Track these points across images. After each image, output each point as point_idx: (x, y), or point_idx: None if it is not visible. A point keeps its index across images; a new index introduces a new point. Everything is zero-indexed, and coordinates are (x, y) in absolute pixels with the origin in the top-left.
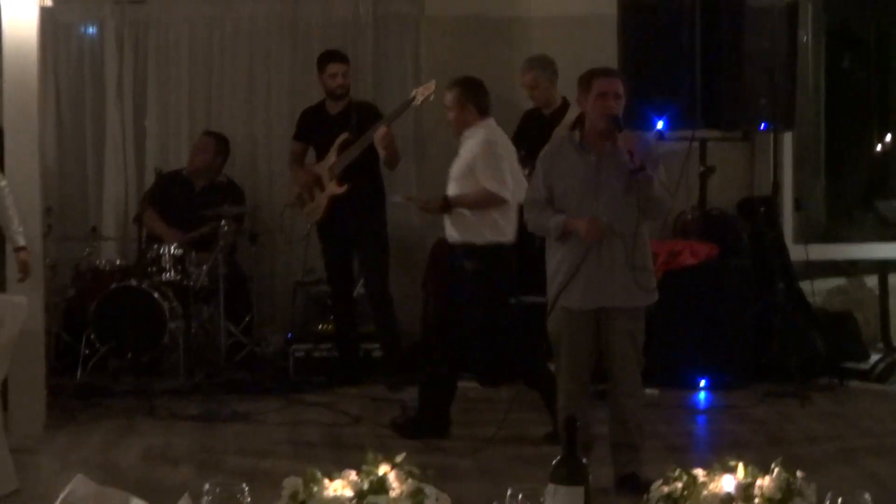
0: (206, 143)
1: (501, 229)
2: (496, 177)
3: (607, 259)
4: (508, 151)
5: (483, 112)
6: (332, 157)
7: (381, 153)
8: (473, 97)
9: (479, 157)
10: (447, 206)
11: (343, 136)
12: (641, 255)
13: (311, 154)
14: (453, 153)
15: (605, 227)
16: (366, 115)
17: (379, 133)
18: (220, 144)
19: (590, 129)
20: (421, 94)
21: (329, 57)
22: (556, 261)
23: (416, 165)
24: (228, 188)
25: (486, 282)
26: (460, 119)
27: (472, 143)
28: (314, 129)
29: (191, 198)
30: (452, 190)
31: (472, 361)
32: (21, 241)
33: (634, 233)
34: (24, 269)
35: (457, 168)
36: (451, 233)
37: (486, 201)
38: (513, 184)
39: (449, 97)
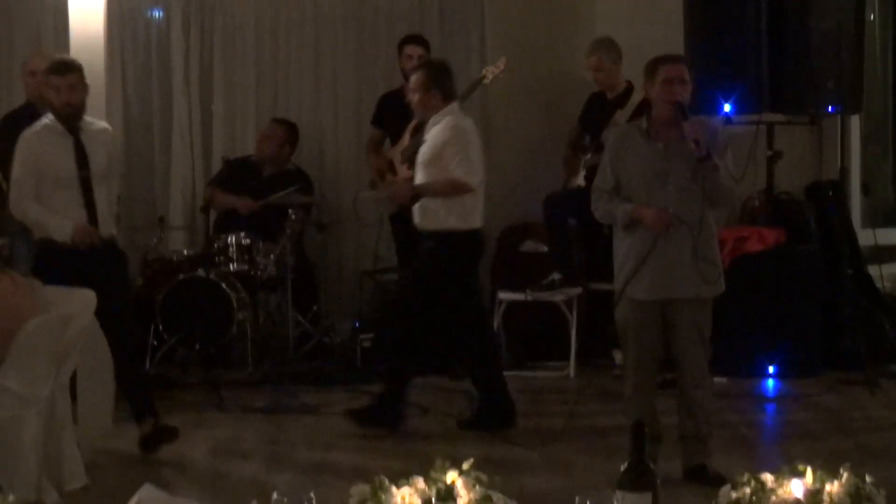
0: (273, 130)
1: (468, 216)
2: (463, 164)
3: (674, 249)
4: (475, 136)
5: (448, 97)
6: (404, 141)
7: None
8: (438, 81)
9: (447, 143)
10: (416, 195)
11: (416, 121)
12: (707, 246)
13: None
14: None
15: (672, 217)
16: None
17: None
18: (289, 132)
19: (656, 116)
20: (491, 72)
21: (406, 39)
22: (624, 250)
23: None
24: (297, 176)
25: (452, 268)
26: (424, 103)
27: (438, 129)
28: (390, 113)
29: (259, 185)
30: (420, 177)
31: (435, 355)
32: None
33: (700, 222)
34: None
35: (423, 154)
36: (418, 219)
37: (454, 189)
38: (481, 169)
39: (414, 79)
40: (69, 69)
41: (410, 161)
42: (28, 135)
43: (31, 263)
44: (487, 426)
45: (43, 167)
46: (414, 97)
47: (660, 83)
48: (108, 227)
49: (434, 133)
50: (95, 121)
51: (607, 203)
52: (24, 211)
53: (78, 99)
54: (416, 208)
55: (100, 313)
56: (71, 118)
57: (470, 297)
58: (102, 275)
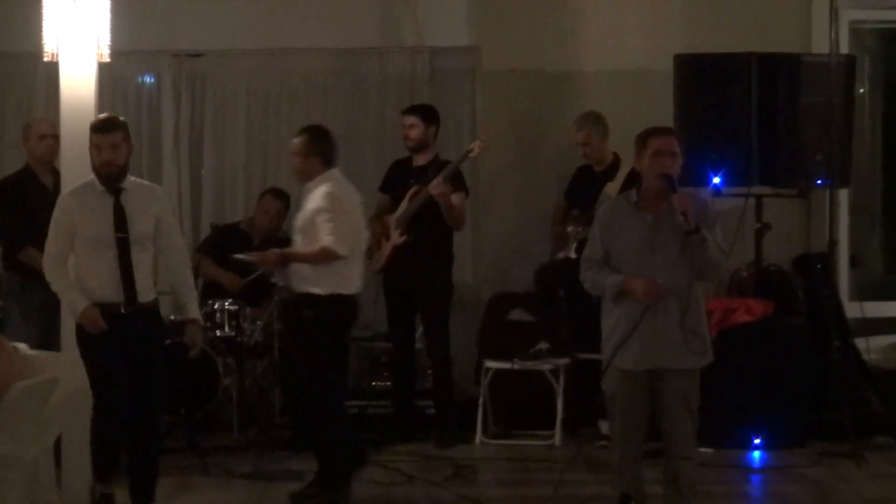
0: (272, 204)
1: (344, 280)
2: (334, 233)
3: (662, 320)
4: (352, 204)
5: (328, 162)
6: (402, 207)
7: (441, 206)
8: (319, 147)
9: (319, 210)
10: (285, 260)
11: (415, 188)
12: (695, 318)
13: None
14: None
15: (662, 288)
16: (441, 170)
17: (434, 185)
18: (285, 204)
19: (646, 188)
20: (479, 146)
21: (405, 109)
22: (613, 321)
23: (473, 221)
24: (286, 244)
25: (326, 331)
26: (303, 168)
27: (314, 196)
28: (396, 179)
29: (249, 252)
30: (299, 241)
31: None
32: (193, 313)
33: (688, 294)
34: (194, 343)
35: (300, 219)
36: (292, 282)
37: (322, 257)
38: (356, 236)
39: (295, 144)
40: (113, 127)
41: (404, 227)
42: (66, 194)
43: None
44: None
45: (78, 228)
46: (294, 162)
47: (650, 155)
48: (146, 294)
49: (310, 199)
50: (145, 182)
51: (596, 274)
52: (49, 278)
53: (121, 158)
54: (288, 272)
55: (134, 386)
56: (111, 178)
57: (341, 361)
58: (139, 344)
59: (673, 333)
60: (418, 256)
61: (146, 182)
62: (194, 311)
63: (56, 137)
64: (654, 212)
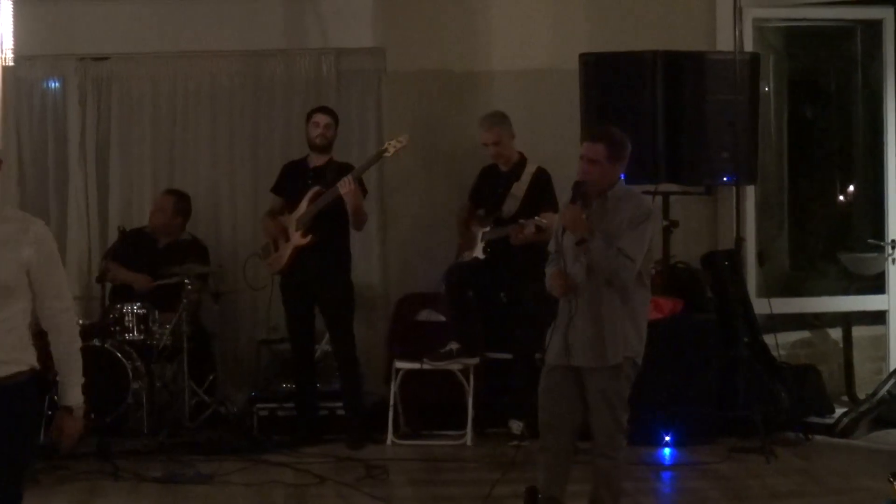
0: (164, 201)
1: None
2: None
3: (581, 319)
4: None
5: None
6: (301, 208)
7: (347, 207)
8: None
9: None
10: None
11: (315, 189)
12: (606, 318)
13: None
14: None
15: (570, 281)
16: (343, 173)
17: (342, 183)
18: (181, 202)
19: None
20: (393, 146)
21: (316, 108)
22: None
23: (379, 222)
24: (192, 246)
25: None
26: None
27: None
28: (292, 181)
29: (154, 255)
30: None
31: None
32: (70, 398)
33: (600, 295)
34: (64, 437)
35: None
36: None
37: None
38: None
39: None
40: None
41: (305, 228)
42: None
43: None
44: None
45: None
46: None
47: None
48: (7, 366)
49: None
50: (20, 214)
51: (548, 266)
52: None
53: None
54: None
55: None
56: None
57: None
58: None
59: (586, 333)
60: (317, 257)
61: (22, 214)
62: (72, 397)
63: None
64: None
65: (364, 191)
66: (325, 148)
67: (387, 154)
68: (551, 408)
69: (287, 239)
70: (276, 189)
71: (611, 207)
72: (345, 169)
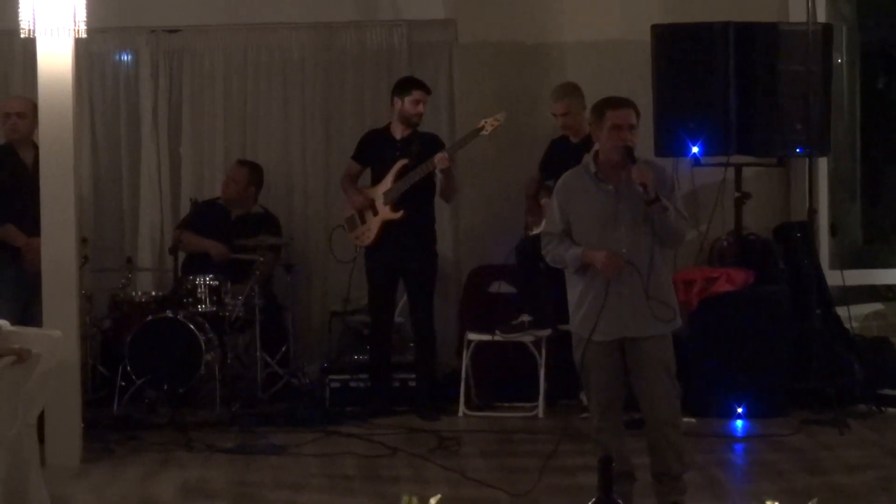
0: (237, 172)
1: None
2: None
3: (626, 289)
4: None
5: None
6: (388, 182)
7: (440, 181)
8: None
9: None
10: None
11: (402, 162)
12: (658, 285)
13: (366, 176)
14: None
15: (623, 259)
16: (429, 145)
17: (440, 157)
18: (254, 173)
19: (605, 160)
20: (490, 124)
21: (415, 83)
22: (578, 292)
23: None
24: (264, 218)
25: None
26: None
27: None
28: (375, 151)
29: (227, 227)
30: None
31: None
32: None
33: (651, 262)
34: None
35: None
36: None
37: None
38: None
39: None
40: None
41: (393, 203)
42: None
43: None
44: None
45: None
46: None
47: (608, 128)
48: None
49: None
50: None
51: (556, 247)
52: None
53: None
54: None
55: None
56: None
57: None
58: None
59: (638, 302)
60: (405, 230)
61: None
62: None
63: (20, 115)
64: (615, 182)
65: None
66: (418, 124)
67: (484, 132)
68: (607, 386)
69: (375, 212)
70: (358, 157)
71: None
72: (431, 140)
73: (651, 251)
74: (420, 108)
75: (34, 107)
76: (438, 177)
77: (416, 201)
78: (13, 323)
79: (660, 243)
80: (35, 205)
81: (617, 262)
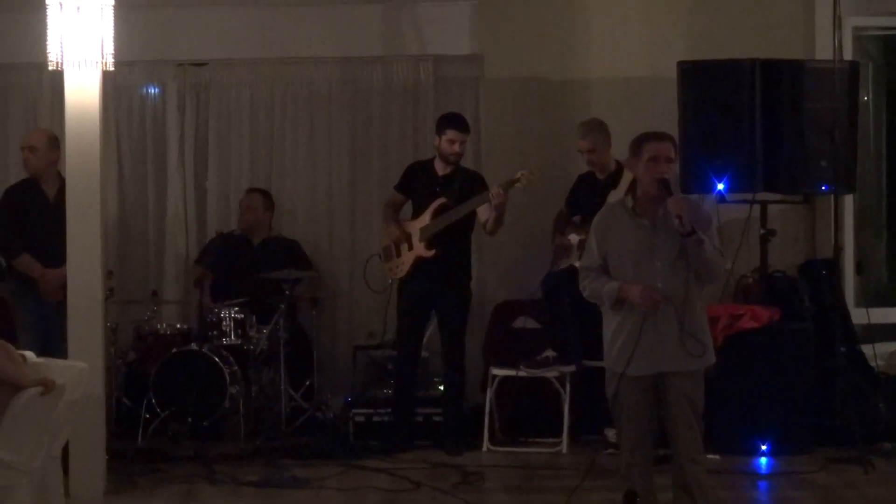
0: (253, 199)
1: None
2: None
3: (662, 324)
4: None
5: None
6: (425, 218)
7: (491, 215)
8: None
9: None
10: None
11: (440, 201)
12: (692, 320)
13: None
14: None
15: (659, 293)
16: (470, 183)
17: (494, 192)
18: (267, 198)
19: (642, 194)
20: (527, 177)
21: (450, 122)
22: (613, 328)
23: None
24: (284, 242)
25: None
26: None
27: None
28: (418, 184)
29: (250, 255)
30: None
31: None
32: None
33: (685, 297)
34: None
35: None
36: None
37: None
38: None
39: None
40: None
41: (428, 241)
42: None
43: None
44: None
45: None
46: None
47: (645, 161)
48: None
49: None
50: None
51: (594, 281)
52: None
53: None
54: None
55: None
56: None
57: None
58: None
59: (672, 337)
60: (440, 266)
61: None
62: None
63: (32, 149)
64: (651, 216)
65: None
66: (457, 163)
67: (519, 185)
68: (640, 422)
69: (410, 246)
70: (400, 188)
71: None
72: (472, 179)
73: (686, 286)
74: (455, 147)
75: (49, 140)
76: (488, 208)
77: (453, 238)
78: (35, 353)
79: (696, 278)
80: (54, 237)
81: (653, 296)
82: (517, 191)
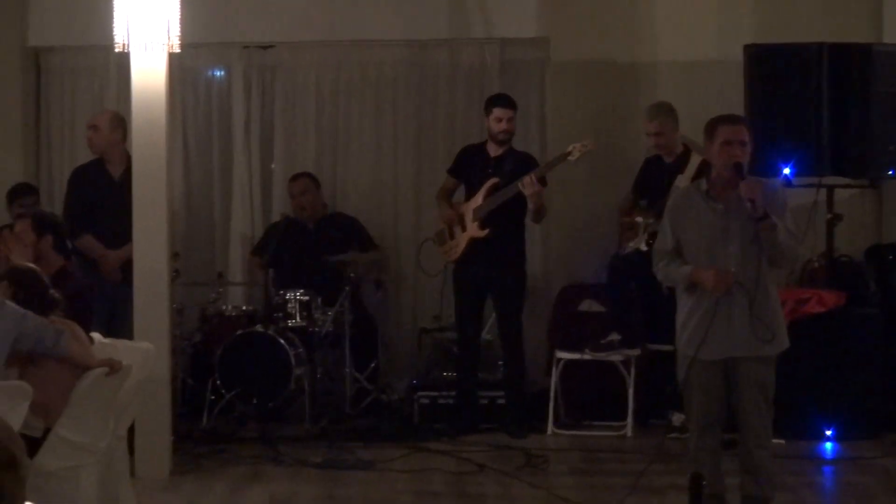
0: (303, 184)
1: None
2: None
3: (735, 309)
4: None
5: None
6: (478, 199)
7: (529, 203)
8: None
9: None
10: None
11: (493, 181)
12: (764, 305)
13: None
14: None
15: (732, 277)
16: (522, 164)
17: (526, 181)
18: (315, 180)
19: (716, 177)
20: (578, 150)
21: (496, 101)
22: (686, 311)
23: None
24: (340, 218)
25: None
26: None
27: None
28: (470, 167)
29: (310, 238)
30: None
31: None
32: None
33: (757, 282)
34: None
35: None
36: None
37: None
38: None
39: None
40: None
41: (481, 221)
42: None
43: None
44: None
45: None
46: None
47: (719, 144)
48: None
49: None
50: None
51: (668, 265)
52: None
53: None
54: None
55: None
56: None
57: None
58: None
59: (745, 322)
60: (493, 248)
61: None
62: None
63: (94, 128)
64: (725, 200)
65: (544, 184)
66: (507, 141)
67: (571, 158)
68: (710, 407)
69: (463, 228)
70: (453, 171)
71: None
72: (524, 160)
73: (759, 271)
74: (503, 125)
75: (111, 119)
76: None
77: (506, 219)
78: (101, 334)
79: (769, 263)
80: (117, 218)
81: (726, 280)
82: (569, 164)
